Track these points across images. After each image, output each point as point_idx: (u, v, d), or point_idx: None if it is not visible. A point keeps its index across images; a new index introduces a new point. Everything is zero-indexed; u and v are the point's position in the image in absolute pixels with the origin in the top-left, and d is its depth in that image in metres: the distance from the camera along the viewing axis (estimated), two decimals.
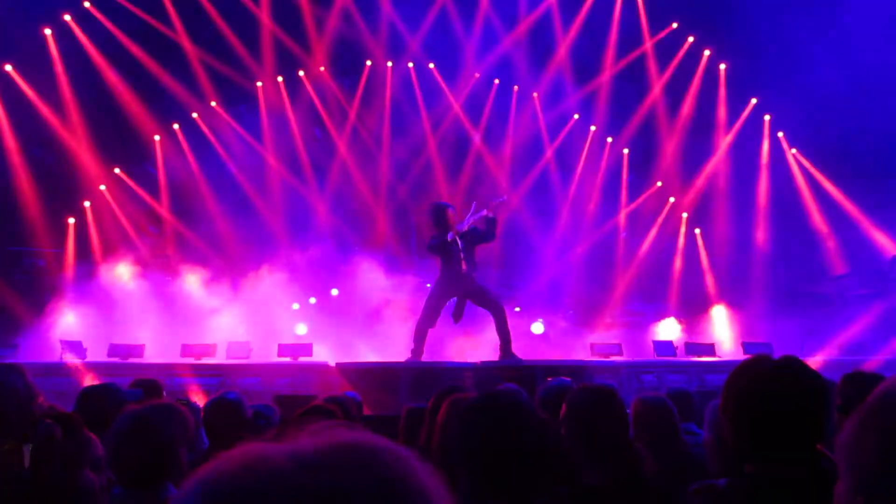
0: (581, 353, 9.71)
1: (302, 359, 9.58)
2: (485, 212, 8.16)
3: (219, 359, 9.44)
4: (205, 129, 13.53)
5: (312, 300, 12.06)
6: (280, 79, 14.02)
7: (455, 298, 8.47)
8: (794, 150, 14.14)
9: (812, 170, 13.88)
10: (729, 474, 2.03)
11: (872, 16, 11.42)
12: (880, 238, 12.56)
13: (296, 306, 11.77)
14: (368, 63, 14.38)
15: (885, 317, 10.47)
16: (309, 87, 14.15)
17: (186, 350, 9.47)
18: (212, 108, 13.60)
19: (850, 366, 6.58)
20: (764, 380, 1.90)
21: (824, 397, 1.95)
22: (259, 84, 13.94)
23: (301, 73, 14.12)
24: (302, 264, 11.77)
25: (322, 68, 14.17)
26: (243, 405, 3.74)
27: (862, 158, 11.79)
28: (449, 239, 8.04)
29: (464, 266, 8.13)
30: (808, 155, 13.91)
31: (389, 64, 14.40)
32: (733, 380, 1.95)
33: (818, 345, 9.51)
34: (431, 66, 14.50)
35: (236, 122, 13.80)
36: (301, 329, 11.11)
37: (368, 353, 10.22)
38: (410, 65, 14.55)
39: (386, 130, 14.49)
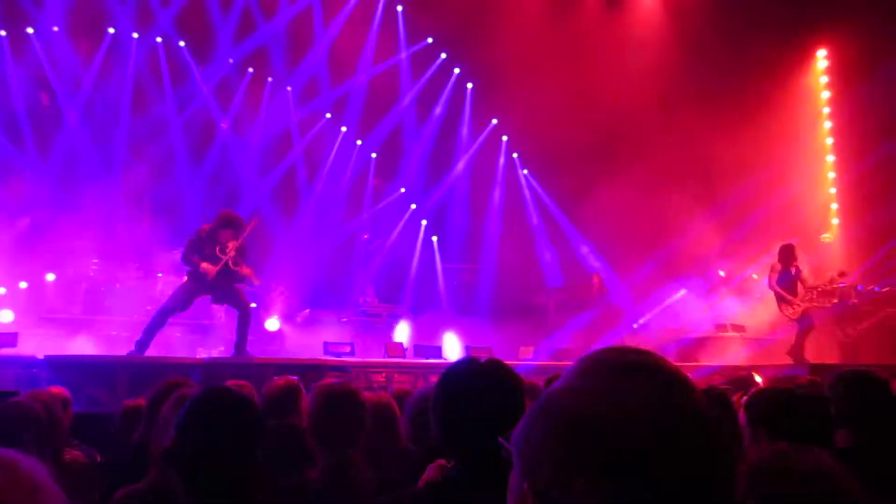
0: (315, 351, 9.75)
1: (5, 350, 8.58)
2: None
3: None
4: None
5: (23, 284, 10.85)
6: (3, 32, 12.49)
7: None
8: (525, 171, 15.45)
9: (538, 189, 15.28)
10: None
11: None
12: (585, 252, 14.18)
13: (2, 290, 10.53)
14: (111, 30, 13.30)
15: (588, 325, 11.87)
16: (38, 47, 12.75)
17: None
18: None
19: (555, 369, 7.36)
20: (468, 379, 2.09)
21: (520, 397, 2.20)
22: None
23: (30, 30, 12.68)
24: (11, 242, 10.54)
25: (56, 28, 12.85)
26: None
27: (578, 182, 13.14)
28: (213, 265, 7.96)
29: (214, 274, 8.02)
30: (535, 175, 15.27)
31: (135, 35, 13.43)
32: (441, 380, 2.12)
33: (530, 349, 10.41)
34: (182, 44, 13.77)
35: None
36: (6, 316, 9.97)
37: (86, 346, 9.43)
38: (159, 39, 13.70)
39: (125, 105, 13.46)
